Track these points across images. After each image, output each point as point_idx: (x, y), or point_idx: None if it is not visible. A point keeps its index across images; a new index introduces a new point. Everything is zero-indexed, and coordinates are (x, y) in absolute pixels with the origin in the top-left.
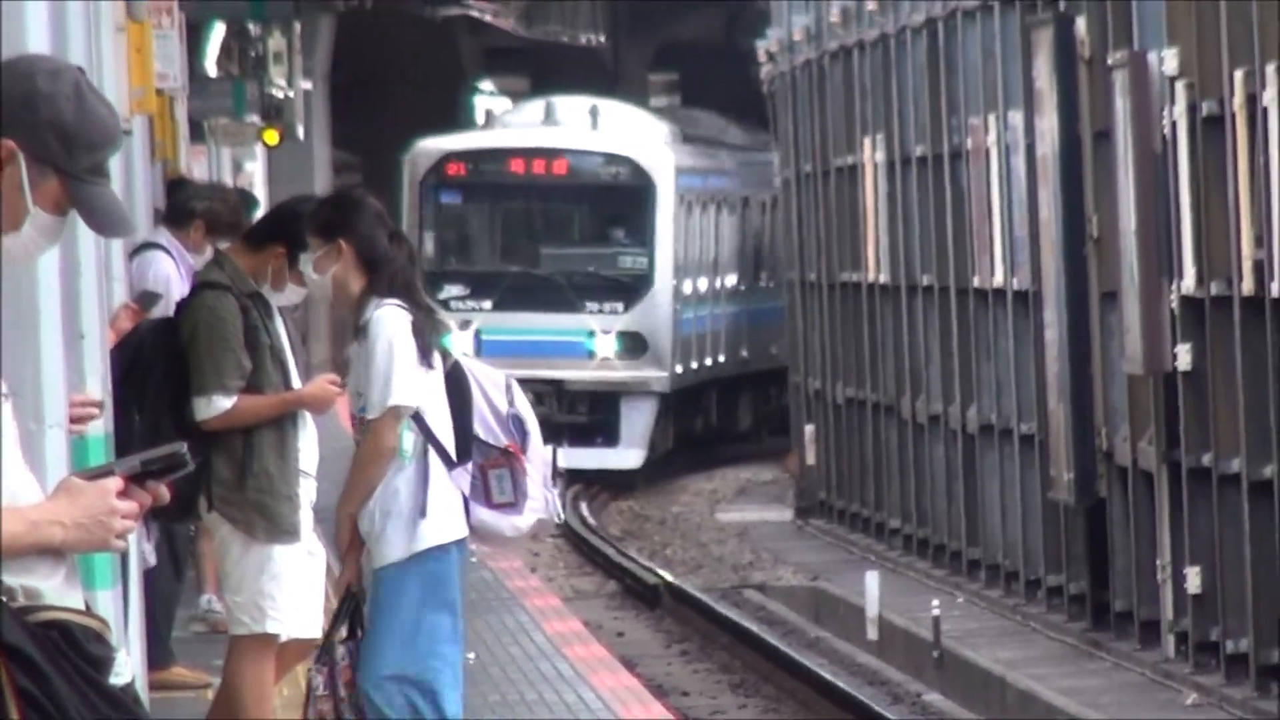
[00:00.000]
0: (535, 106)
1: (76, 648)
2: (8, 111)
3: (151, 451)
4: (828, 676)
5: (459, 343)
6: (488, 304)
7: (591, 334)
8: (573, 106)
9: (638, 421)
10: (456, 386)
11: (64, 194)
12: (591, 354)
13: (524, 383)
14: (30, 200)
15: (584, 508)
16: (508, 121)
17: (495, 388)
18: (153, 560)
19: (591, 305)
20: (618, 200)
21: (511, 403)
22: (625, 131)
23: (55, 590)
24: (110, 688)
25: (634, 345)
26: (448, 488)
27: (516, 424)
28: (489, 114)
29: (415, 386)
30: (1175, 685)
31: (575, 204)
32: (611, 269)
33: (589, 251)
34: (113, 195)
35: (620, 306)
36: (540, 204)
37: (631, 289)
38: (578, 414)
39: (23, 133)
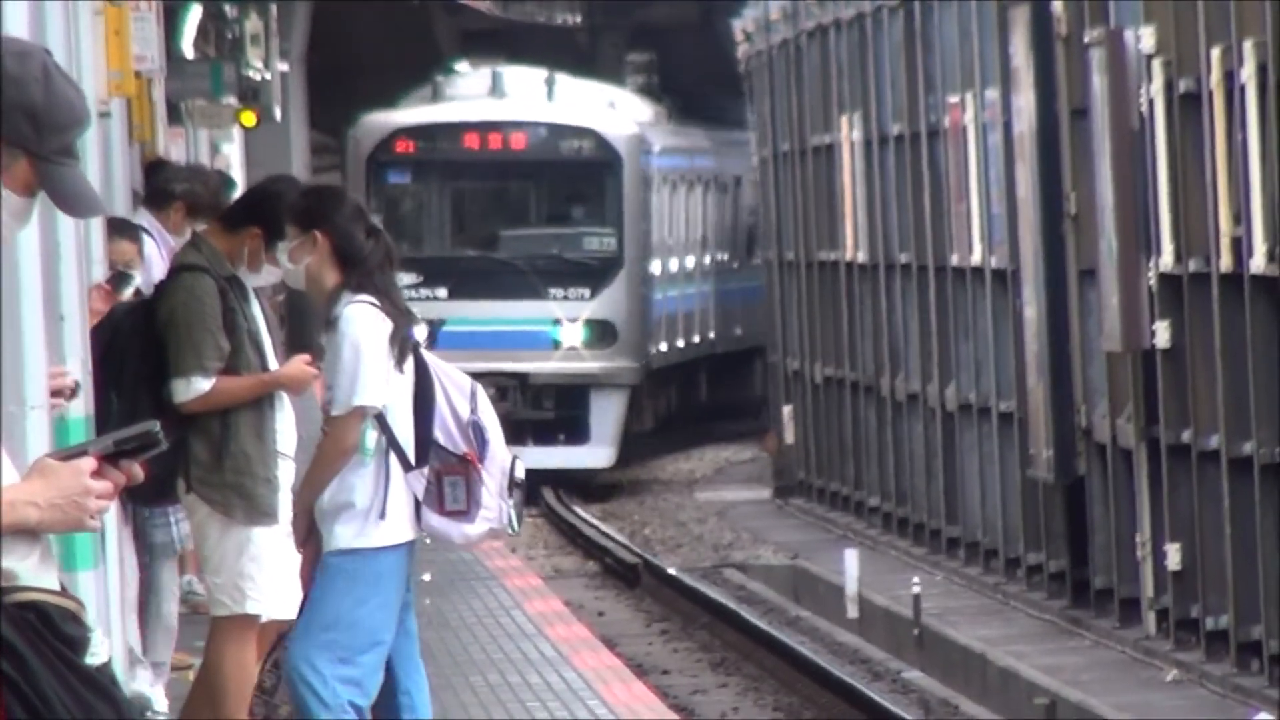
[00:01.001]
0: (479, 77)
1: (52, 628)
2: None
3: (124, 431)
4: (808, 655)
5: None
6: (442, 292)
7: (556, 323)
8: (522, 77)
9: (608, 416)
10: (421, 390)
11: (34, 176)
12: (557, 344)
13: (484, 376)
14: (0, 183)
15: (563, 489)
16: (453, 94)
17: (459, 393)
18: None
19: (555, 291)
20: (581, 176)
21: (474, 409)
22: (586, 103)
23: (30, 571)
24: (86, 668)
25: (603, 334)
26: (402, 489)
27: (477, 432)
28: (435, 85)
29: (380, 387)
30: (1156, 662)
31: (535, 182)
32: (576, 251)
33: (551, 233)
34: (82, 176)
35: (587, 292)
36: (497, 182)
37: (598, 273)
38: (543, 409)
39: None
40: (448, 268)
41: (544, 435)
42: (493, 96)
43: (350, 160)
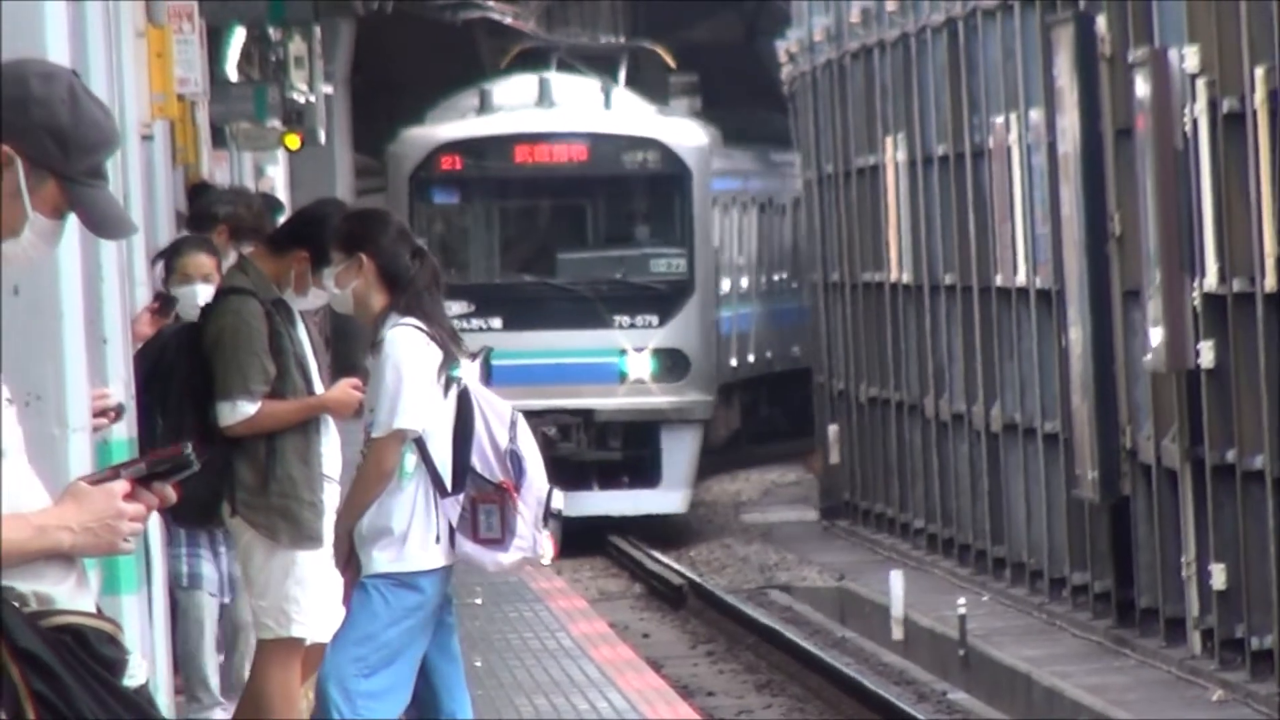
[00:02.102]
0: (525, 86)
1: (89, 650)
2: (4, 117)
3: (157, 453)
4: (853, 676)
5: (468, 374)
6: (496, 322)
7: (622, 353)
8: (572, 86)
9: (680, 456)
10: (462, 416)
11: (62, 197)
12: (623, 377)
13: (545, 414)
14: (29, 205)
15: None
16: (500, 105)
17: (499, 421)
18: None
19: (620, 319)
20: (646, 191)
21: (513, 439)
22: (646, 113)
23: (66, 595)
24: (124, 689)
25: (673, 365)
26: (440, 515)
27: (515, 461)
28: (482, 94)
29: (422, 411)
30: (1201, 682)
31: (595, 198)
32: (643, 274)
33: (614, 255)
34: (111, 196)
35: (655, 319)
36: (553, 200)
37: (667, 298)
38: (609, 449)
39: (19, 137)
40: (501, 295)
41: (610, 477)
42: (541, 106)
43: (391, 179)
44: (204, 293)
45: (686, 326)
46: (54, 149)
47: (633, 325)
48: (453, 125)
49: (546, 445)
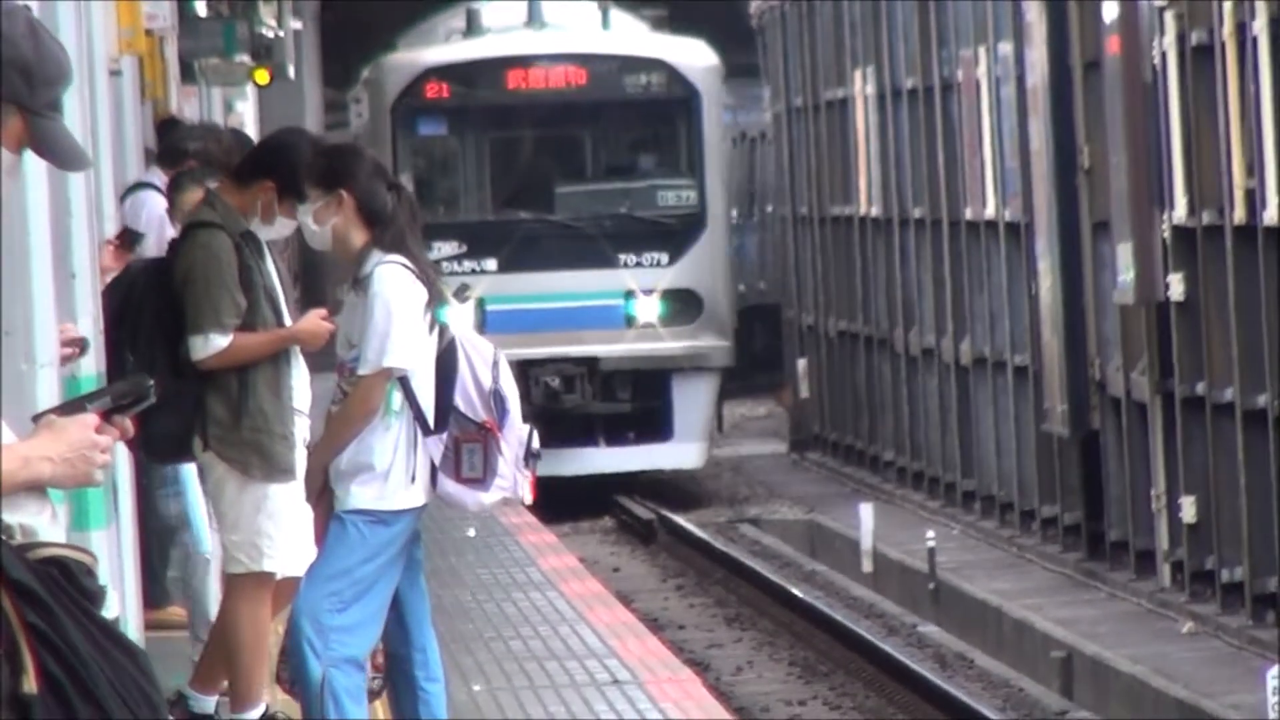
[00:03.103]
0: (512, 5)
1: (74, 582)
2: None
3: (116, 385)
4: (823, 609)
5: (458, 318)
6: (491, 264)
7: (629, 295)
8: (563, 8)
9: (694, 406)
10: (445, 356)
11: (25, 132)
12: (630, 321)
13: (547, 364)
14: None
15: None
16: (490, 26)
17: (482, 361)
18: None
19: (626, 258)
20: (652, 117)
21: (496, 379)
22: (648, 33)
23: (45, 527)
24: (106, 620)
25: (685, 306)
26: (421, 454)
27: (498, 400)
28: (470, 14)
29: (411, 350)
30: (1171, 614)
31: (596, 126)
32: (650, 208)
33: (618, 187)
34: (68, 130)
35: (664, 257)
36: (550, 130)
37: (677, 233)
38: (617, 400)
39: None
40: (495, 234)
41: (618, 431)
42: (531, 28)
43: (371, 109)
44: None
45: (698, 264)
46: (19, 83)
47: (639, 264)
48: (438, 49)
49: (549, 397)
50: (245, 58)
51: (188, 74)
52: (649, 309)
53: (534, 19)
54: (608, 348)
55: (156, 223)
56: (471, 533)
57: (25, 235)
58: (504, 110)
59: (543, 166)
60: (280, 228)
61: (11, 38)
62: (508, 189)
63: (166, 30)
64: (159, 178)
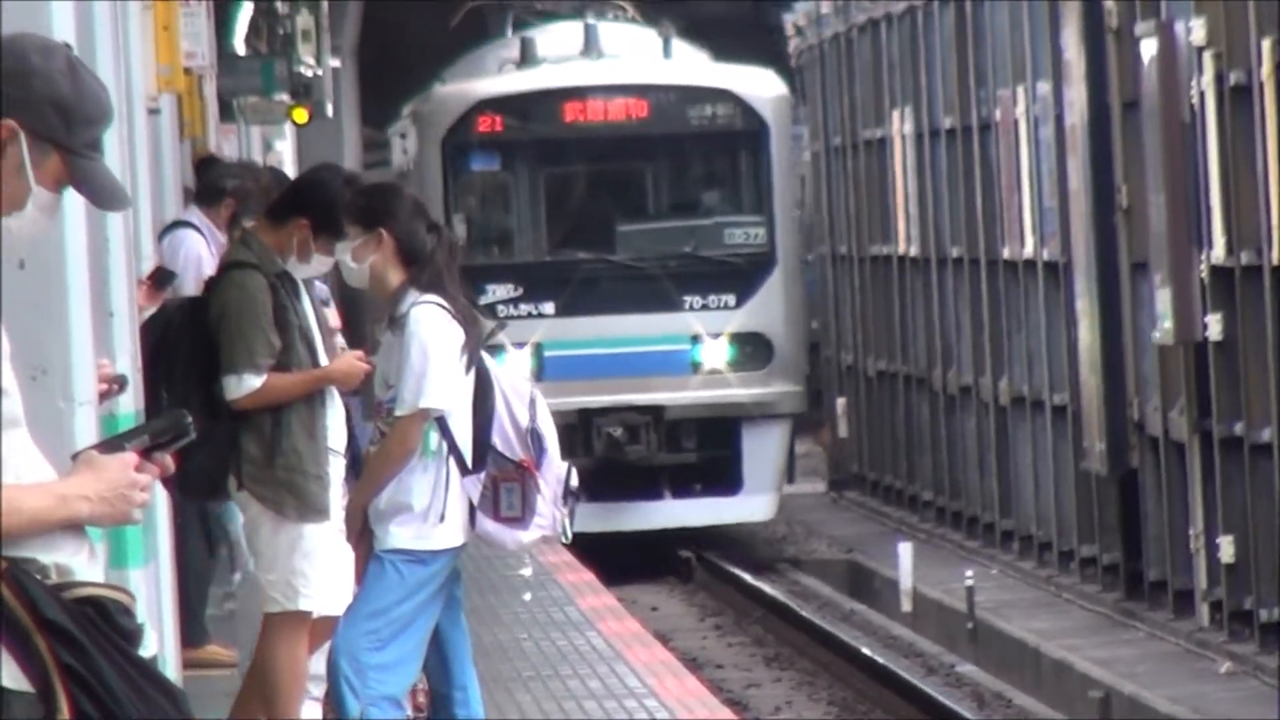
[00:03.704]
0: (567, 33)
1: (110, 621)
2: (4, 92)
3: (155, 422)
4: (862, 649)
5: (516, 365)
6: (548, 308)
7: (695, 339)
8: (621, 34)
9: (765, 457)
10: (481, 395)
11: (64, 170)
12: (697, 367)
13: (609, 413)
14: (33, 179)
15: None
16: (545, 56)
17: (519, 400)
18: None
19: (692, 299)
20: (718, 151)
21: (533, 417)
22: (712, 62)
23: (83, 566)
24: (144, 660)
25: (754, 351)
26: (459, 494)
27: (535, 439)
28: (524, 43)
29: (447, 390)
30: (1209, 654)
31: (659, 161)
32: (717, 247)
33: (683, 225)
34: (108, 169)
35: (732, 299)
36: (611, 164)
37: (746, 273)
38: (682, 451)
39: (22, 111)
40: (552, 275)
41: (684, 483)
42: (588, 57)
43: (418, 143)
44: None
45: (768, 306)
46: (57, 122)
47: (705, 306)
48: (490, 81)
49: (611, 448)
50: (284, 96)
51: (226, 112)
52: (716, 354)
53: (591, 48)
54: (673, 395)
55: (194, 261)
56: (527, 571)
57: (63, 273)
58: (561, 144)
59: (602, 204)
60: (317, 265)
61: (49, 75)
62: (565, 228)
63: (205, 68)
64: (197, 216)
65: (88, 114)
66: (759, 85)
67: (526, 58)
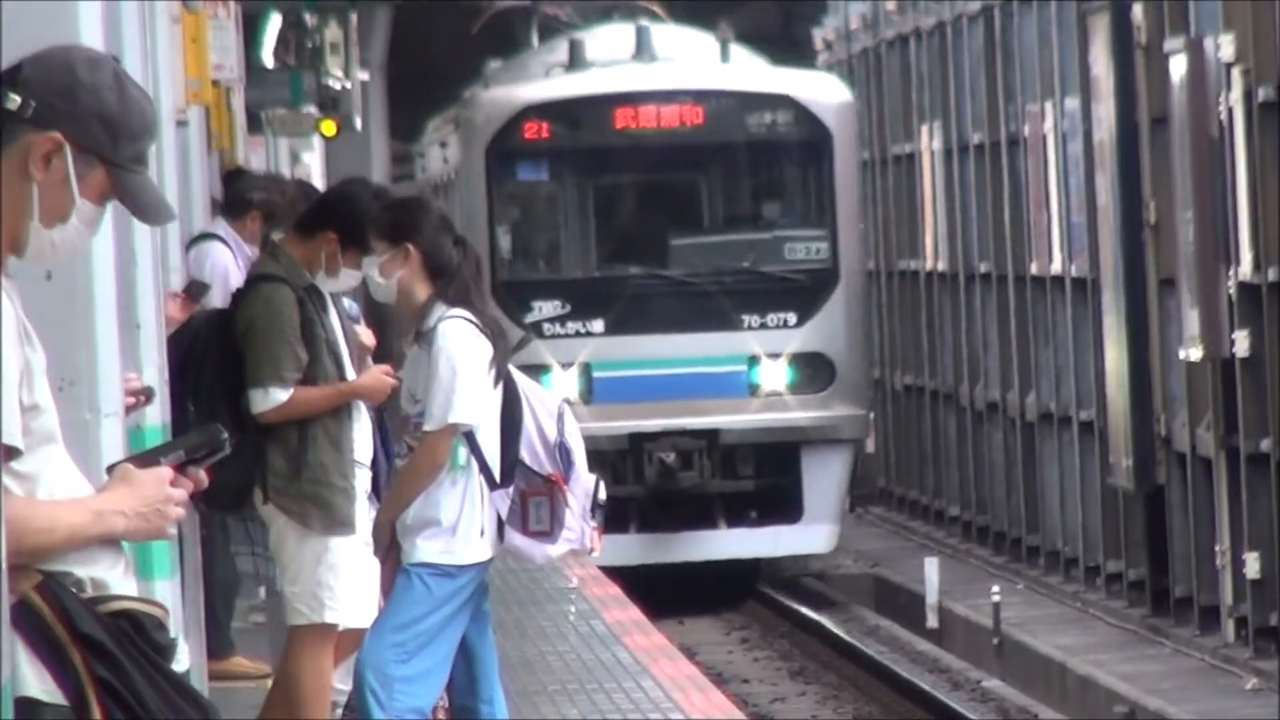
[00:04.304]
0: (618, 36)
1: (144, 636)
2: (51, 104)
3: (190, 437)
4: (888, 664)
5: (562, 388)
6: (597, 326)
7: (753, 360)
8: (676, 37)
9: (826, 484)
10: (509, 410)
11: (108, 184)
12: (754, 389)
13: (661, 438)
14: (76, 191)
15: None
16: (594, 59)
17: (547, 414)
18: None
19: (750, 318)
20: (778, 160)
21: (561, 431)
22: (771, 67)
23: (118, 580)
24: (177, 675)
25: (816, 372)
26: (488, 508)
27: (563, 453)
28: (573, 45)
29: (476, 404)
30: (1235, 670)
31: (715, 171)
32: (776, 262)
33: (741, 239)
34: (152, 182)
35: (792, 317)
36: (664, 174)
37: (808, 290)
38: (739, 478)
39: (68, 124)
40: (602, 292)
41: (741, 512)
42: (640, 60)
43: (460, 151)
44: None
45: (831, 325)
46: (103, 135)
47: (764, 325)
48: (537, 85)
49: (663, 475)
50: (312, 109)
51: (254, 124)
52: (775, 375)
53: (644, 51)
54: (729, 419)
55: (221, 274)
56: (574, 583)
57: (90, 285)
58: (611, 152)
59: (655, 216)
60: (344, 279)
61: (96, 89)
62: (615, 241)
63: (234, 81)
64: (224, 229)
65: (133, 128)
66: (822, 91)
67: (575, 61)
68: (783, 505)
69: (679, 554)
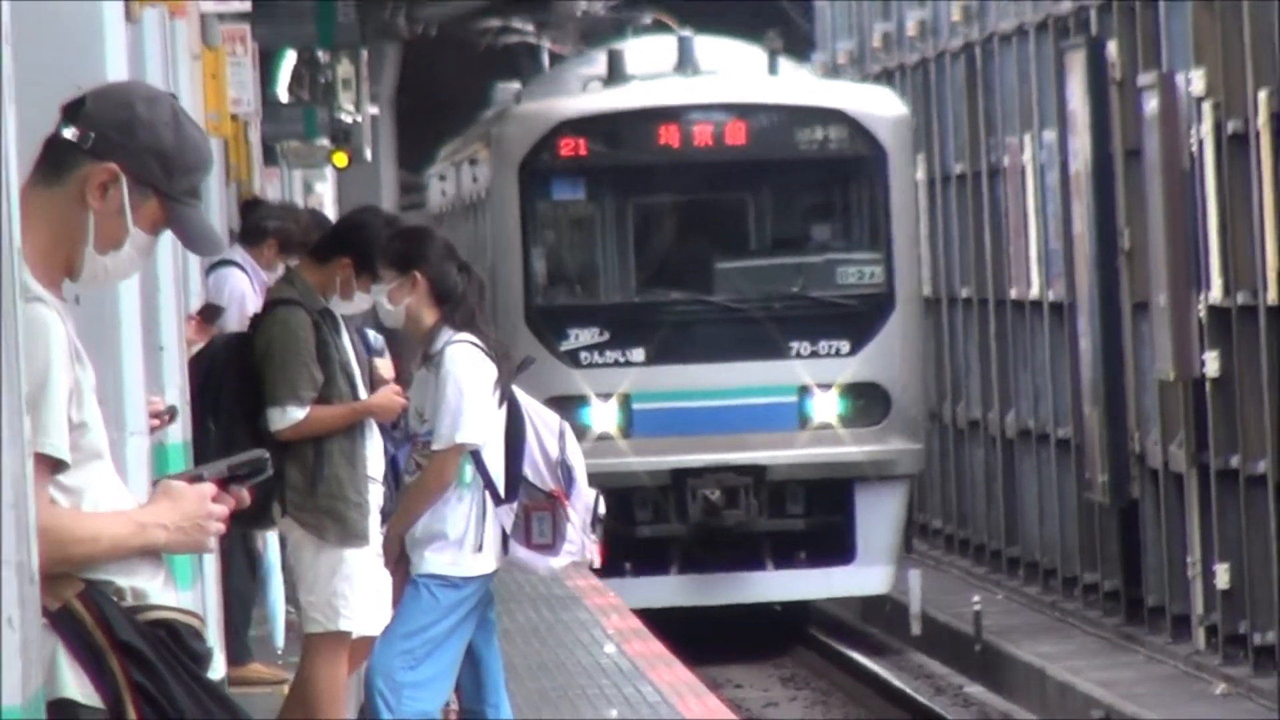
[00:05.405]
0: (659, 48)
1: (181, 644)
2: (109, 137)
3: (236, 457)
4: (874, 670)
5: (600, 421)
6: (637, 355)
7: (803, 391)
8: (720, 49)
9: (880, 522)
10: (513, 429)
11: (161, 215)
12: (805, 421)
13: (705, 474)
14: (130, 221)
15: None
16: (634, 73)
17: (549, 433)
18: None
19: (800, 346)
20: (829, 179)
21: (563, 449)
22: (822, 80)
23: (158, 590)
24: (213, 683)
25: (870, 403)
26: (493, 523)
27: (565, 471)
28: (612, 56)
29: (481, 425)
30: (1206, 676)
31: (763, 190)
32: (828, 287)
33: (790, 262)
34: (203, 215)
35: (845, 345)
36: (708, 194)
37: (861, 316)
38: (788, 516)
39: (124, 157)
40: (643, 319)
41: (789, 552)
42: (682, 74)
43: (492, 168)
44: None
45: (886, 353)
46: (157, 169)
47: (815, 354)
48: (573, 100)
49: (707, 513)
50: (325, 141)
51: (270, 156)
52: (827, 407)
53: (686, 63)
54: (778, 453)
55: (238, 298)
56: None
57: (116, 309)
58: (652, 170)
59: (698, 238)
60: (359, 302)
61: (153, 125)
62: (657, 265)
63: (251, 114)
64: (241, 255)
65: (187, 163)
66: (875, 105)
67: (614, 74)
68: (834, 545)
69: (723, 596)
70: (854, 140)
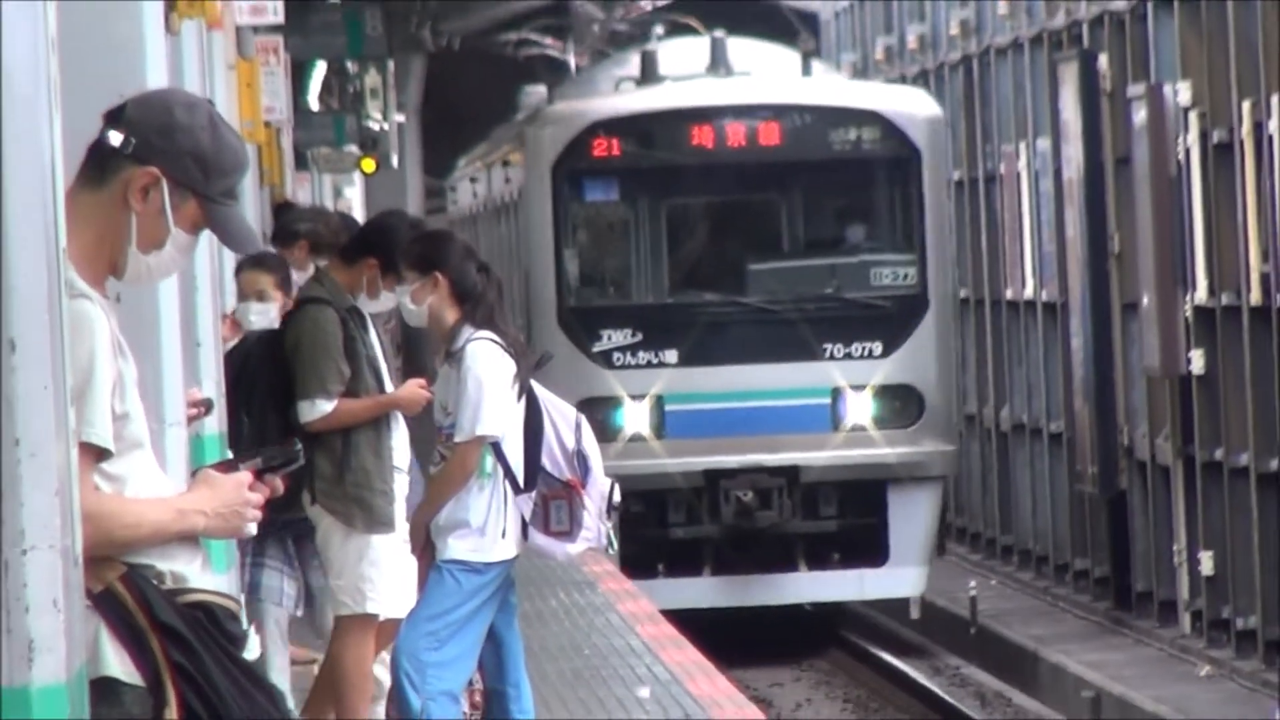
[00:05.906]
0: (693, 49)
1: (218, 626)
2: (150, 142)
3: (271, 448)
4: (875, 651)
5: (632, 422)
6: (670, 356)
7: (836, 392)
8: (753, 51)
9: (914, 524)
10: (531, 421)
11: (201, 215)
12: (838, 423)
13: (738, 475)
14: (172, 222)
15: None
16: (668, 73)
17: (566, 425)
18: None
19: (833, 347)
20: (863, 180)
21: (579, 440)
22: (855, 81)
23: (196, 574)
24: (248, 662)
25: (904, 405)
26: (513, 511)
27: (580, 460)
28: (645, 57)
29: (501, 418)
30: (1191, 659)
31: (797, 191)
32: (861, 288)
33: (823, 263)
34: (242, 215)
35: (878, 346)
36: (742, 194)
37: (895, 318)
38: (821, 518)
39: (165, 160)
40: (676, 320)
41: (822, 554)
42: (716, 74)
43: (524, 170)
44: (257, 309)
45: (920, 355)
46: (196, 172)
47: (849, 355)
48: (607, 100)
49: (740, 514)
50: (354, 148)
51: (301, 162)
52: (860, 409)
53: (720, 64)
54: (811, 455)
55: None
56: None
57: (155, 306)
58: (685, 171)
59: (732, 239)
60: (384, 302)
61: (192, 130)
62: (690, 266)
63: (283, 122)
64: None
65: (224, 166)
66: (910, 105)
67: (647, 74)
68: (867, 547)
69: (756, 598)
70: (888, 141)
